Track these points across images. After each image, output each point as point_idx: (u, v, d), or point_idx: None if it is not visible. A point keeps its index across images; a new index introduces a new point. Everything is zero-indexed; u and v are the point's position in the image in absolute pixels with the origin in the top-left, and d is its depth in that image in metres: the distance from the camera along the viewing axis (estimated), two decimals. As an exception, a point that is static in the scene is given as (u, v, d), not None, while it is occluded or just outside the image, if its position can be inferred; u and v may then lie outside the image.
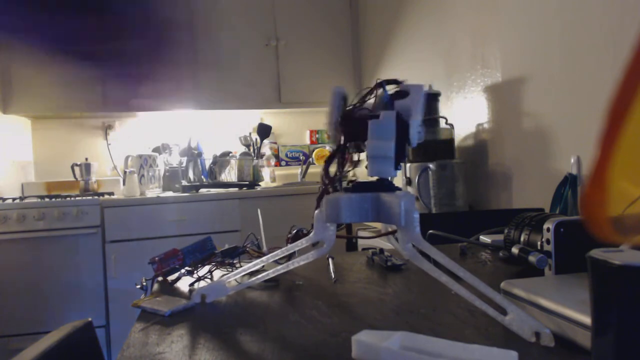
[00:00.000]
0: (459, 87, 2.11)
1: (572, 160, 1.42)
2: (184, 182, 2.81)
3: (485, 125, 1.95)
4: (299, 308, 0.69)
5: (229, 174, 2.89)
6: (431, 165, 1.84)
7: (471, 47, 2.01)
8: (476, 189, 1.98)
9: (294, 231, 0.87)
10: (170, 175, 2.98)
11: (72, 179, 2.84)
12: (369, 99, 0.67)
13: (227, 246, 0.90)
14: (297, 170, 3.29)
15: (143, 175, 2.79)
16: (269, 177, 3.19)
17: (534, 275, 0.70)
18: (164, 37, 2.89)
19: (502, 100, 1.84)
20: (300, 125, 3.44)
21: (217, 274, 0.87)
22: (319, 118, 3.46)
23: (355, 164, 0.69)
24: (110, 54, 2.80)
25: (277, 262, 0.74)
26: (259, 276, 0.69)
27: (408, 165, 1.94)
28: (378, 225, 0.70)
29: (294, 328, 0.60)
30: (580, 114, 1.44)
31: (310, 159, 3.32)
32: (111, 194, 2.69)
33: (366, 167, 0.66)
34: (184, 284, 0.84)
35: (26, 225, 2.33)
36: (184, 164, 2.88)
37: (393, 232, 0.65)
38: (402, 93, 0.65)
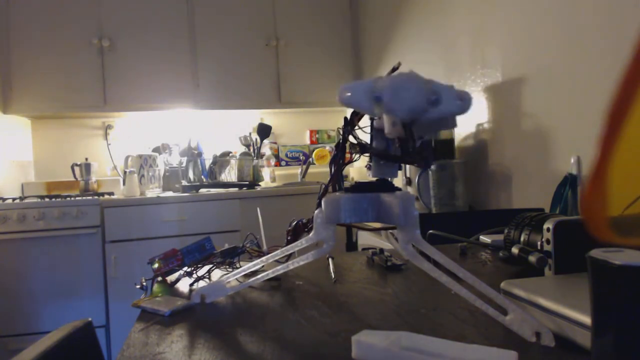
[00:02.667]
0: (459, 87, 2.11)
1: (572, 160, 1.42)
2: (184, 182, 2.81)
3: (485, 125, 1.95)
4: (299, 308, 0.69)
5: (229, 174, 2.89)
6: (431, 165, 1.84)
7: (471, 47, 2.01)
8: (476, 189, 1.98)
9: (294, 223, 0.86)
10: (170, 175, 2.98)
11: (72, 179, 2.84)
12: None
13: (226, 246, 0.90)
14: (297, 170, 3.29)
15: (143, 175, 2.79)
16: (269, 177, 3.19)
17: (534, 275, 0.70)
18: (164, 37, 2.89)
19: (502, 100, 1.84)
20: (300, 125, 3.44)
21: (217, 274, 0.87)
22: (319, 118, 3.47)
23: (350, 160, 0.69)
24: (111, 53, 2.81)
25: (277, 261, 0.74)
26: (259, 276, 0.69)
27: (408, 165, 1.94)
28: (378, 226, 0.70)
29: (294, 328, 0.60)
30: (580, 114, 1.44)
31: (310, 159, 3.32)
32: (111, 194, 2.69)
33: (366, 167, 0.66)
34: (184, 284, 0.84)
35: (26, 225, 2.33)
36: (184, 164, 2.88)
37: (393, 228, 0.64)
38: None
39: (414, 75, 0.49)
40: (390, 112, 0.49)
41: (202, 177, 2.88)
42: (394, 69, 0.62)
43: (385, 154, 0.62)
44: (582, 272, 0.54)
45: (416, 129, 0.51)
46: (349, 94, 0.50)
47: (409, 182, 1.96)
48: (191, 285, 0.82)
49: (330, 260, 0.94)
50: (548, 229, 0.71)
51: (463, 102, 0.52)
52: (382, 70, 2.92)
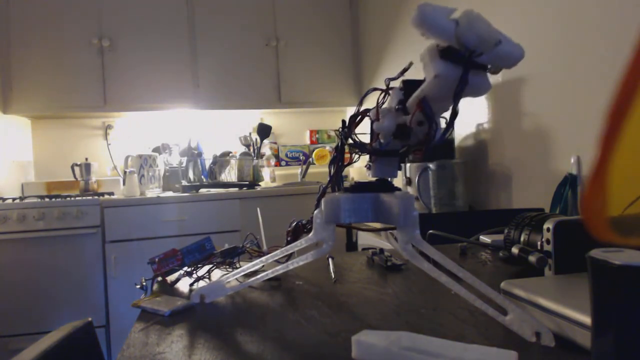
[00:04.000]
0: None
1: (572, 160, 1.42)
2: (184, 182, 2.81)
3: (485, 125, 1.95)
4: (299, 308, 0.69)
5: (229, 174, 2.89)
6: (431, 165, 1.84)
7: (471, 47, 2.01)
8: (476, 189, 1.98)
9: (294, 224, 0.86)
10: (170, 175, 2.98)
11: (72, 179, 2.84)
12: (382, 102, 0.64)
13: (226, 246, 0.90)
14: (297, 170, 3.29)
15: (143, 175, 2.79)
16: (269, 177, 3.19)
17: (534, 275, 0.70)
18: (164, 37, 2.89)
19: (502, 100, 1.84)
20: (300, 125, 3.44)
21: (217, 274, 0.87)
22: (319, 118, 3.46)
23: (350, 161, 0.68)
24: (111, 53, 2.81)
25: (277, 261, 0.74)
26: (259, 276, 0.69)
27: (408, 165, 1.94)
28: (378, 226, 0.70)
29: (294, 328, 0.60)
30: (580, 114, 1.44)
31: (310, 159, 3.32)
32: (111, 194, 2.69)
33: (366, 167, 0.66)
34: (183, 284, 0.84)
35: (26, 225, 2.33)
36: (184, 164, 2.88)
37: (393, 228, 0.64)
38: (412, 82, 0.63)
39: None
40: (463, 38, 0.50)
41: (202, 177, 2.88)
42: (405, 70, 0.62)
43: (383, 151, 0.62)
44: (582, 272, 0.54)
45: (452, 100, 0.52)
46: (431, 10, 0.49)
47: (409, 182, 1.95)
48: (191, 285, 0.82)
49: (330, 260, 0.94)
50: (548, 229, 0.71)
51: (519, 47, 0.58)
52: (382, 70, 2.92)
